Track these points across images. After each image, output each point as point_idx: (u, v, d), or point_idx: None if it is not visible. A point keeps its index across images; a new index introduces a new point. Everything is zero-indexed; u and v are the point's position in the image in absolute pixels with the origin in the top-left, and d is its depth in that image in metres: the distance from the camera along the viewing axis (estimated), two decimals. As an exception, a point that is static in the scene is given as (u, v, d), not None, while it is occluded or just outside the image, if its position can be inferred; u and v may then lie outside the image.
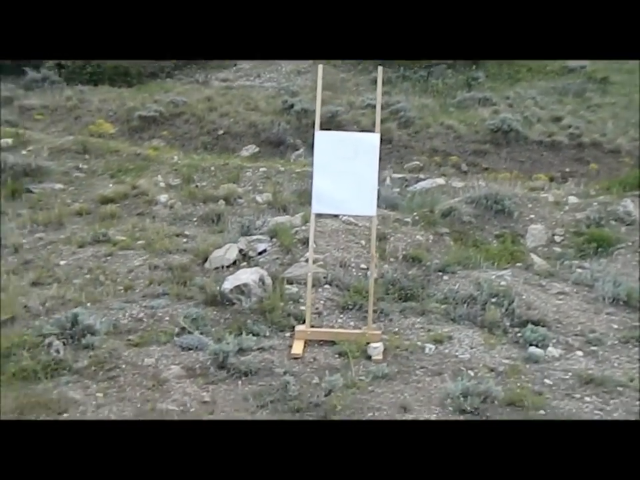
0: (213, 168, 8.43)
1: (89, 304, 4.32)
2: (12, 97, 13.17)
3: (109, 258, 5.42)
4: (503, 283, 4.63)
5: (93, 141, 8.81)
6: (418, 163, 10.82)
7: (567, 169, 11.14)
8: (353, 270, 4.95)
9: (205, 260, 5.30)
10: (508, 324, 4.09)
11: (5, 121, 11.49)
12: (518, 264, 5.21)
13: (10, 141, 8.58)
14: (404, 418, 2.87)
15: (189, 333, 3.75)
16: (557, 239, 5.71)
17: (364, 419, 2.82)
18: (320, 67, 3.65)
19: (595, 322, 4.29)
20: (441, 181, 8.31)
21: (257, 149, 11.51)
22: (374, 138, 3.61)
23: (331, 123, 11.56)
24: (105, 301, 4.42)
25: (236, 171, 8.24)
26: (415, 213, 6.20)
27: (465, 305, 4.28)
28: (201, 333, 3.80)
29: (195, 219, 6.89)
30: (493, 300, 4.33)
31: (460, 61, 17.60)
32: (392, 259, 5.23)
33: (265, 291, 4.47)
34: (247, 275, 4.46)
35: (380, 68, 3.60)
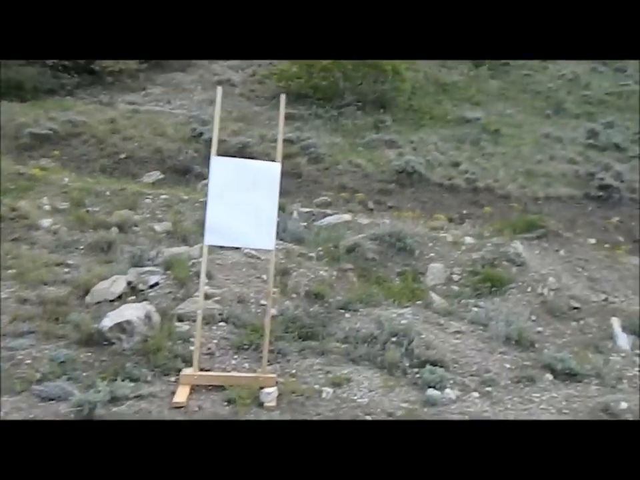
0: (108, 193, 7.80)
1: None
2: None
3: (-31, 289, 4.66)
4: (403, 321, 4.53)
5: (-32, 157, 7.82)
6: (326, 198, 10.81)
7: (464, 211, 11.69)
8: (252, 306, 4.63)
9: (87, 293, 4.73)
10: (407, 364, 3.96)
11: None
12: (418, 302, 5.18)
13: None
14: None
15: (51, 380, 3.20)
16: (455, 277, 5.78)
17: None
18: (219, 88, 3.39)
19: (490, 361, 4.30)
20: (347, 216, 8.28)
21: (162, 176, 10.92)
22: (274, 167, 3.39)
23: (242, 154, 11.31)
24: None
25: (134, 197, 7.67)
26: (319, 248, 6.04)
27: (366, 345, 4.11)
28: (69, 379, 3.27)
29: (81, 247, 6.24)
30: (393, 339, 4.20)
31: (369, 105, 18.36)
32: (294, 295, 4.98)
33: (152, 329, 4.01)
34: (131, 311, 3.98)
35: (282, 96, 3.42)
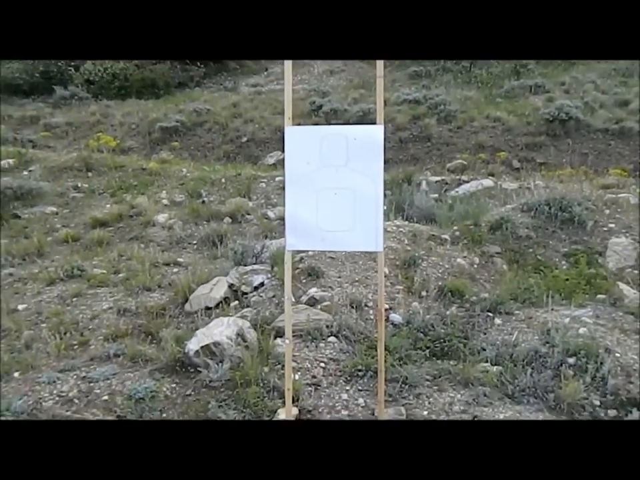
0: (223, 180, 7.28)
1: (16, 373, 3.20)
2: (38, 115, 12.67)
3: (75, 300, 4.32)
4: (582, 329, 3.14)
5: (97, 157, 7.87)
6: (461, 161, 9.25)
7: (641, 160, 9.24)
8: (371, 312, 3.60)
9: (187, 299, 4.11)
10: (598, 403, 2.62)
11: (28, 140, 10.91)
12: (600, 296, 3.68)
13: (11, 161, 7.78)
14: None
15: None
16: (651, 256, 4.11)
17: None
18: (287, 62, 2.35)
19: None
20: (488, 182, 6.77)
21: (282, 155, 10.30)
22: (375, 132, 2.26)
23: (363, 122, 10.20)
24: (39, 367, 3.28)
25: (248, 182, 7.04)
26: (455, 227, 4.75)
27: (529, 370, 2.83)
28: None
29: (194, 242, 5.75)
30: (571, 360, 2.86)
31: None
32: (423, 293, 3.82)
33: (248, 348, 3.19)
34: (220, 329, 3.19)
35: (380, 62, 2.27)
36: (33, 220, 6.27)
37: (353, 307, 3.61)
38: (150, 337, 3.65)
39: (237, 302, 4.06)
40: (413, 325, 3.43)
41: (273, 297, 3.93)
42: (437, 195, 6.34)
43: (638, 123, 9.68)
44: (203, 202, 6.74)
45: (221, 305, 3.99)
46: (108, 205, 6.71)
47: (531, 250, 4.37)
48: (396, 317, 3.53)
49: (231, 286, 4.15)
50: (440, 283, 3.90)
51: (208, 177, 7.35)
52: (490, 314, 3.52)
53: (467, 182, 6.75)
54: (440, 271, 4.08)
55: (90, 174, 7.56)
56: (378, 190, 2.29)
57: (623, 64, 13.67)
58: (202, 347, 3.10)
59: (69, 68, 14.78)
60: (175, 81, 14.92)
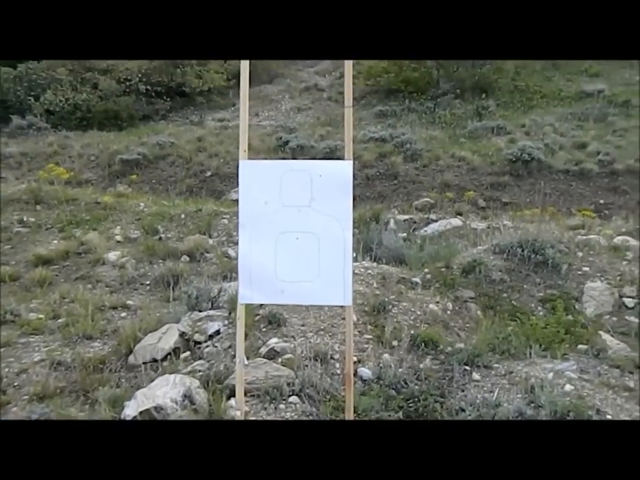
0: (183, 215, 6.86)
1: None
2: (-9, 145, 11.98)
3: (2, 350, 3.77)
4: (567, 387, 2.84)
5: (47, 190, 7.33)
6: (428, 199, 9.13)
7: (601, 201, 9.35)
8: (337, 366, 3.21)
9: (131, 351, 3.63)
10: None
11: (-23, 171, 10.21)
12: (581, 346, 3.42)
13: (-48, 192, 7.15)
14: None
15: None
16: (629, 302, 3.91)
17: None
18: (244, 63, 2.04)
19: None
20: (456, 221, 6.59)
21: (247, 191, 9.97)
22: (343, 168, 1.95)
23: (330, 159, 10.03)
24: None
25: (209, 219, 6.64)
26: (425, 269, 4.47)
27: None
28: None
29: (147, 282, 5.26)
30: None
31: (467, 92, 16.32)
32: (395, 344, 3.48)
33: (196, 412, 2.74)
34: (165, 389, 2.74)
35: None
36: (-31, 257, 5.66)
37: (317, 360, 3.22)
38: (84, 396, 3.15)
39: (188, 353, 3.61)
40: (384, 380, 3.06)
41: (229, 347, 3.51)
42: (405, 235, 6.09)
43: (597, 164, 9.85)
44: (160, 238, 6.28)
45: (170, 356, 3.53)
46: (55, 241, 6.17)
47: (505, 295, 4.12)
48: (365, 372, 3.16)
49: (182, 334, 3.70)
50: (412, 332, 3.57)
51: (167, 213, 6.92)
52: (467, 367, 3.19)
53: (435, 221, 6.56)
54: (412, 318, 3.76)
55: (39, 207, 7.01)
56: (346, 234, 1.96)
57: (578, 108, 14.15)
58: (141, 412, 2.63)
59: (29, 97, 14.21)
60: (139, 113, 14.54)
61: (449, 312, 3.88)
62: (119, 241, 6.22)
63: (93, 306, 4.48)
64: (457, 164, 10.56)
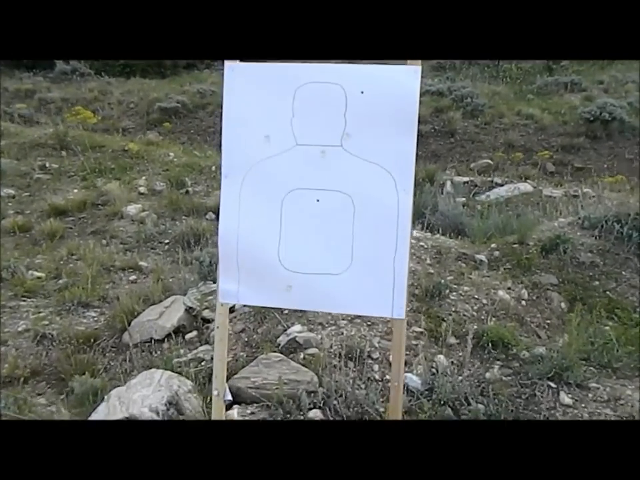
0: (214, 168, 6.11)
1: None
2: (34, 89, 11.62)
3: (-13, 314, 3.19)
4: None
5: (74, 135, 6.74)
6: (489, 161, 7.99)
7: (695, 170, 7.90)
8: (375, 368, 2.42)
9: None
10: None
11: (18, 115, 9.86)
12: None
13: (-22, 134, 6.69)
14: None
15: None
16: None
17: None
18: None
19: None
20: (526, 186, 5.53)
21: (289, 145, 9.13)
22: (403, 78, 1.07)
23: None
24: None
25: (241, 172, 5.86)
26: (492, 244, 3.54)
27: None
28: None
29: (166, 241, 4.60)
30: None
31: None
32: (452, 341, 2.63)
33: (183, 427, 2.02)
34: (146, 392, 2.03)
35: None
36: (-19, 203, 5.16)
37: (350, 359, 2.43)
38: (62, 383, 2.51)
39: (195, 333, 2.92)
40: (437, 393, 2.25)
41: (242, 331, 2.77)
42: (464, 200, 5.11)
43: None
44: (187, 192, 5.58)
45: (171, 336, 2.84)
46: (75, 190, 5.58)
47: (597, 283, 3.15)
48: (412, 380, 2.35)
49: (189, 309, 2.99)
50: (476, 327, 2.71)
51: (197, 164, 6.19)
52: (552, 384, 2.32)
53: (501, 185, 5.52)
54: (475, 307, 2.88)
55: (63, 153, 6.44)
56: (402, 197, 1.11)
57: (667, 65, 12.27)
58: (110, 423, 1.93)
59: (74, 42, 13.67)
60: (183, 61, 13.75)
61: (524, 302, 2.97)
62: (141, 193, 5.57)
63: (98, 266, 3.86)
64: (523, 122, 9.28)
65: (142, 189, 5.67)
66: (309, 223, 1.12)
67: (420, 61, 1.11)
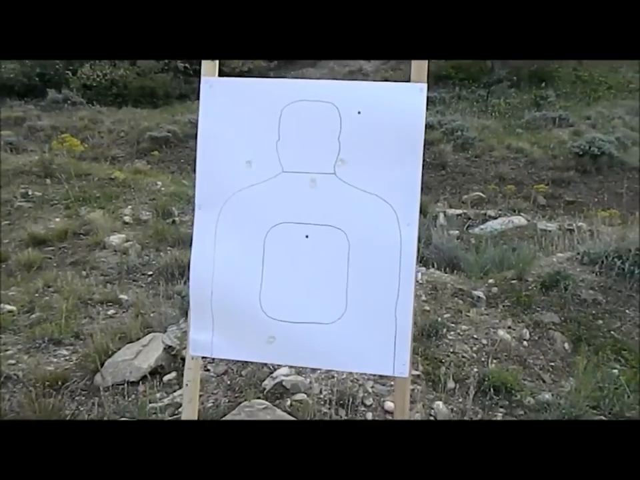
0: (202, 197, 5.94)
1: None
2: (24, 117, 11.52)
3: (-51, 351, 2.94)
4: None
5: (60, 162, 6.58)
6: (480, 193, 7.94)
7: (684, 204, 7.90)
8: (370, 416, 2.20)
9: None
10: None
11: (7, 143, 9.70)
12: None
13: (-39, 161, 6.50)
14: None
15: None
16: None
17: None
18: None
19: None
20: (520, 219, 5.43)
21: (280, 175, 9.03)
22: (407, 97, 0.92)
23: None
24: None
25: (230, 202, 5.71)
26: (489, 280, 3.38)
27: None
28: None
29: (150, 273, 4.38)
30: None
31: (524, 80, 14.96)
32: (451, 385, 2.43)
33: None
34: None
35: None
36: (-41, 232, 4.94)
37: (341, 406, 2.22)
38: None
39: (174, 374, 2.69)
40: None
41: (224, 373, 2.55)
42: (457, 232, 4.98)
43: (680, 163, 8.39)
44: (173, 222, 5.40)
45: (147, 379, 2.61)
46: (57, 219, 5.37)
47: (601, 322, 2.99)
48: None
49: (168, 348, 2.77)
50: (476, 370, 2.51)
51: (184, 193, 6.03)
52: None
53: (494, 218, 5.41)
54: (475, 348, 2.70)
55: (48, 181, 6.26)
56: (406, 233, 0.94)
57: (651, 102, 12.52)
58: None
59: (67, 71, 13.73)
60: (176, 91, 13.81)
61: (525, 343, 2.79)
62: (126, 223, 5.38)
63: (75, 299, 3.63)
64: (513, 156, 9.31)
65: (127, 218, 5.48)
66: (296, 263, 0.95)
67: (425, 79, 0.97)
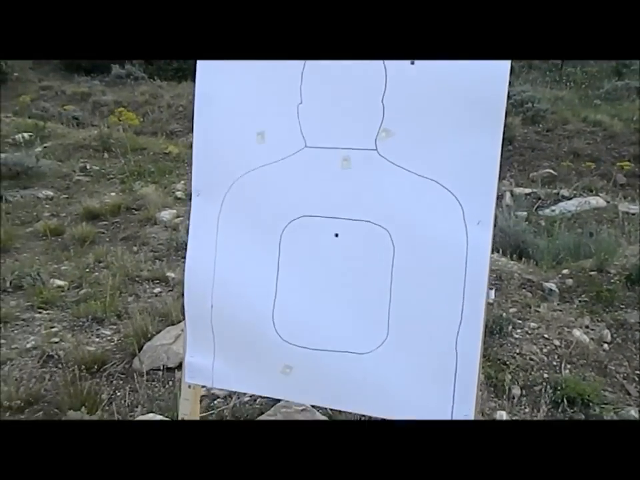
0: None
1: None
2: (89, 92, 11.87)
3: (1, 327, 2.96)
4: None
5: (118, 136, 6.62)
6: (551, 170, 7.28)
7: None
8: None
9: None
10: None
11: (72, 117, 10.03)
12: None
13: (26, 135, 6.69)
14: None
15: None
16: None
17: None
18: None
19: None
20: (598, 200, 4.85)
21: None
22: (496, 71, 0.62)
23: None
24: None
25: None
26: (564, 270, 2.97)
27: None
28: None
29: (198, 250, 4.28)
30: None
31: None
32: (517, 392, 2.11)
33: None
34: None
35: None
36: (19, 205, 5.06)
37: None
38: (57, 419, 2.20)
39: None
40: None
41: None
42: (526, 214, 4.52)
43: None
44: (224, 198, 5.27)
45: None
46: (113, 194, 5.40)
47: (700, 324, 2.52)
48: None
49: (208, 334, 2.62)
50: (546, 376, 2.18)
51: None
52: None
53: (568, 198, 4.87)
54: (545, 350, 2.35)
55: (106, 155, 6.32)
56: (476, 235, 0.65)
57: None
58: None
59: (130, 47, 13.98)
60: (233, 65, 13.73)
61: (606, 346, 2.40)
62: (178, 198, 5.32)
63: (123, 276, 3.58)
64: (590, 129, 8.47)
65: (179, 194, 5.42)
66: (321, 270, 0.69)
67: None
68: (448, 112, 0.67)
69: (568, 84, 11.75)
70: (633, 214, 4.44)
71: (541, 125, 8.61)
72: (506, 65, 0.64)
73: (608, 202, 4.83)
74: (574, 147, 8.01)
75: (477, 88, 0.66)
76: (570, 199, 4.92)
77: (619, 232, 3.83)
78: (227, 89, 0.74)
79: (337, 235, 0.70)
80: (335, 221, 0.69)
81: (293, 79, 0.70)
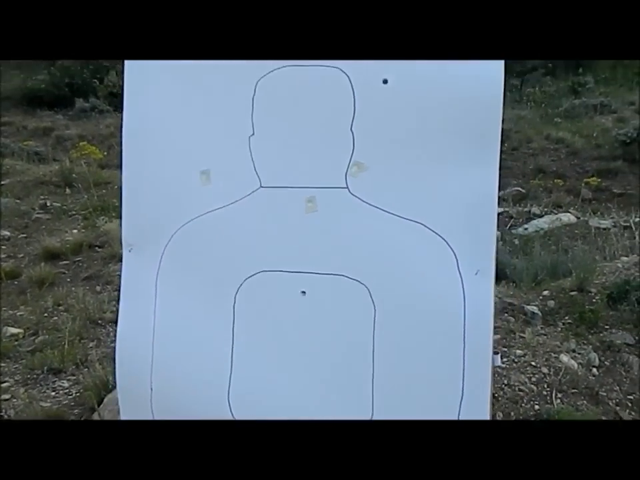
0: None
1: None
2: (52, 127, 11.63)
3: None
4: None
5: (80, 171, 6.39)
6: (520, 189, 7.38)
7: None
8: None
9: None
10: None
11: (34, 153, 9.72)
12: None
13: (-18, 173, 6.39)
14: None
15: None
16: None
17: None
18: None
19: None
20: (569, 216, 4.88)
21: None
22: (491, 72, 0.50)
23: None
24: None
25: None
26: (545, 292, 2.90)
27: None
28: None
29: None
30: None
31: (559, 68, 14.25)
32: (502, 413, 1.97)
33: None
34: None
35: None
36: (-27, 247, 4.75)
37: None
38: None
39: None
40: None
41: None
42: (499, 233, 4.48)
43: None
44: (193, 230, 5.09)
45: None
46: (74, 231, 5.15)
47: (685, 342, 2.46)
48: None
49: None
50: (537, 407, 2.06)
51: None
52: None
53: (539, 216, 4.88)
54: (534, 378, 2.23)
55: (68, 190, 6.07)
56: (474, 289, 0.52)
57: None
58: None
59: (94, 80, 13.86)
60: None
61: (595, 370, 2.31)
62: (144, 233, 5.11)
63: (84, 319, 3.34)
64: (553, 147, 8.69)
65: (145, 228, 5.23)
66: (286, 338, 0.55)
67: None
68: (432, 139, 0.55)
69: (529, 103, 12.15)
70: (604, 229, 4.46)
71: (506, 144, 8.78)
72: (500, 75, 0.53)
73: (578, 218, 4.86)
74: (540, 164, 8.17)
75: (466, 109, 0.55)
76: (541, 216, 4.93)
77: (593, 248, 3.81)
78: (161, 120, 0.60)
79: (303, 293, 0.56)
80: (301, 275, 0.55)
81: (242, 106, 0.57)
